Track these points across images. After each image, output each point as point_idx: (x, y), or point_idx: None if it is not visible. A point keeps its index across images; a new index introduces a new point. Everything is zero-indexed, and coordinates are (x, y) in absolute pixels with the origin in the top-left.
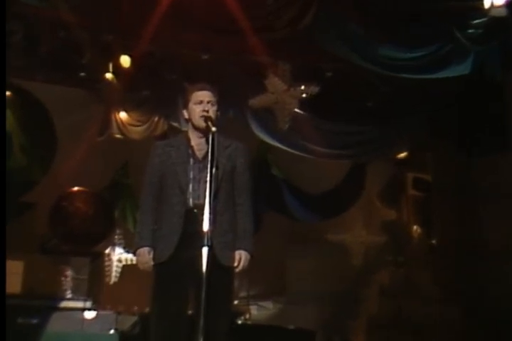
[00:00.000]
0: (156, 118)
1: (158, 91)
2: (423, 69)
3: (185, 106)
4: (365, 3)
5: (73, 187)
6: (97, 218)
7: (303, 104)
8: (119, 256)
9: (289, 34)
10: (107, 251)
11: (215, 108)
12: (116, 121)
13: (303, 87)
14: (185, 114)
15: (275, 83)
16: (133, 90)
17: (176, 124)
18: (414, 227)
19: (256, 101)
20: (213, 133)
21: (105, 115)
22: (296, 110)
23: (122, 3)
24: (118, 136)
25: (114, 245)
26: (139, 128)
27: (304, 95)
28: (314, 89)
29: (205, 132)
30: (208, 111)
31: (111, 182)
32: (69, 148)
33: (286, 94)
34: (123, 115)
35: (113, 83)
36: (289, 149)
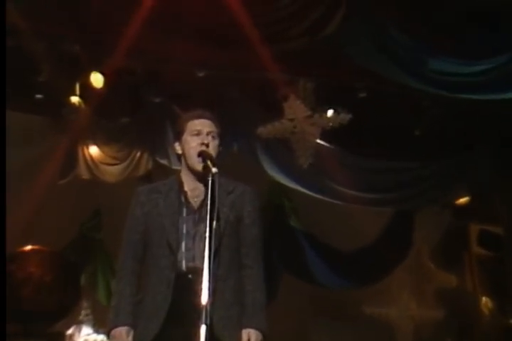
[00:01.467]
0: (138, 154)
1: (140, 118)
2: (488, 87)
3: (178, 138)
4: (411, 2)
5: (25, 245)
6: (56, 287)
7: (328, 133)
8: (85, 338)
9: (310, 44)
10: (70, 331)
11: (216, 142)
12: (84, 158)
13: (330, 114)
14: (178, 149)
15: (296, 107)
16: (107, 117)
17: (164, 162)
18: (483, 299)
19: (267, 130)
20: (214, 175)
21: (69, 150)
22: (320, 142)
23: (92, 3)
24: (86, 177)
25: (79, 323)
26: (114, 168)
27: (330, 124)
28: (345, 117)
29: (202, 173)
30: (207, 146)
31: (77, 237)
32: (21, 193)
33: (308, 121)
34: (94, 150)
35: (80, 108)
36: (311, 193)
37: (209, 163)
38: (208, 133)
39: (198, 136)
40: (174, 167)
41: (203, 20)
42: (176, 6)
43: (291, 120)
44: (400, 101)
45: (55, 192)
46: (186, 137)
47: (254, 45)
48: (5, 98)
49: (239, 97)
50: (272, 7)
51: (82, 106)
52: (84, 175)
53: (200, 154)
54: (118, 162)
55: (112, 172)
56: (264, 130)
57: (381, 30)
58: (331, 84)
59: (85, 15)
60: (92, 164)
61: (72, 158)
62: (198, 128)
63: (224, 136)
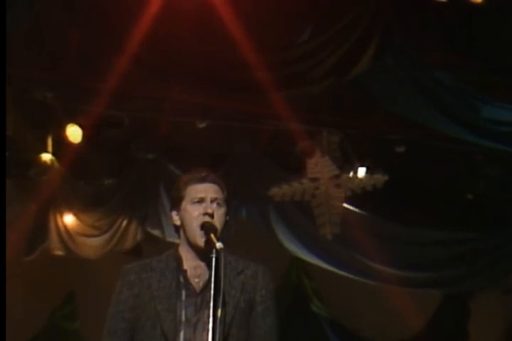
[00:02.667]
0: (125, 223)
1: (127, 179)
2: None
3: (175, 205)
4: (458, 38)
5: None
6: None
7: (358, 196)
8: None
9: (335, 88)
10: None
11: (222, 210)
12: (57, 228)
13: (361, 173)
14: (175, 219)
15: (322, 164)
16: (86, 179)
17: (156, 233)
18: None
19: (282, 191)
20: (219, 252)
21: (39, 219)
22: (347, 206)
23: (69, 39)
24: (59, 252)
25: None
26: (95, 240)
27: (362, 185)
28: (380, 178)
29: (205, 249)
30: (211, 216)
31: (47, 327)
32: None
33: (334, 182)
34: (69, 219)
35: (53, 168)
36: (336, 270)
37: (213, 237)
38: (212, 201)
39: (201, 204)
40: (169, 239)
41: (205, 60)
42: (170, 41)
43: (314, 180)
44: (446, 157)
45: (20, 271)
46: (186, 205)
47: (267, 89)
48: (5, 98)
49: (249, 152)
50: (287, 44)
51: (55, 165)
52: (57, 249)
53: (203, 226)
54: (99, 233)
55: (92, 246)
56: (279, 191)
57: (421, 70)
58: (361, 136)
59: (60, 54)
60: (66, 236)
61: (41, 228)
62: (201, 195)
63: (231, 200)
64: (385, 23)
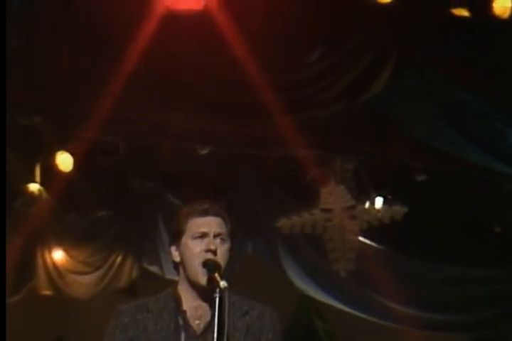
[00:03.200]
0: (119, 260)
1: (122, 211)
2: None
3: (175, 240)
4: (483, 56)
5: None
6: None
7: (375, 229)
8: None
9: (348, 111)
10: None
11: (226, 246)
12: (44, 265)
13: (379, 204)
14: (175, 255)
15: (337, 194)
16: (78, 210)
17: (154, 269)
18: None
19: (291, 223)
20: (223, 291)
21: (25, 255)
22: (363, 240)
23: (59, 58)
24: (47, 292)
25: None
26: (86, 278)
27: (379, 217)
28: (399, 210)
29: (208, 288)
30: (215, 253)
31: None
32: None
33: (348, 213)
34: (58, 255)
35: (41, 199)
36: (351, 310)
37: (217, 275)
38: (215, 236)
39: (203, 240)
40: (168, 276)
41: (207, 81)
42: (169, 62)
43: (326, 211)
44: (472, 186)
45: (6, 312)
46: (187, 240)
47: (274, 113)
48: (5, 99)
49: (254, 181)
50: (296, 64)
51: (44, 195)
52: (45, 288)
53: (206, 264)
54: (91, 270)
55: (83, 285)
56: (288, 222)
57: (443, 91)
58: (377, 163)
59: (50, 75)
60: (55, 274)
61: (28, 265)
62: (203, 229)
63: (236, 233)
64: (402, 40)
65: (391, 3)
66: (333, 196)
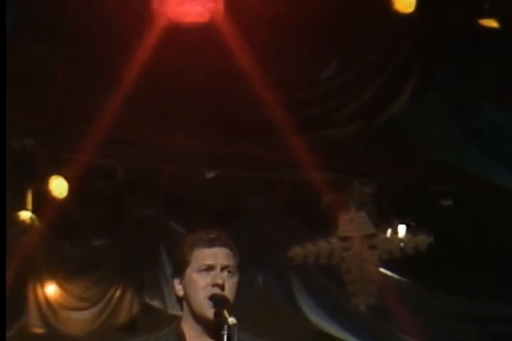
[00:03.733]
0: (118, 293)
1: (121, 240)
2: None
3: (178, 273)
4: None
5: None
6: None
7: (398, 260)
8: None
9: (366, 132)
10: None
11: (234, 279)
12: (36, 300)
13: (402, 233)
14: (178, 289)
15: (357, 221)
16: (73, 240)
17: (156, 304)
18: None
19: (305, 252)
20: (231, 328)
21: (15, 290)
22: (384, 271)
23: (53, 76)
24: (39, 330)
25: None
26: (82, 314)
27: (401, 247)
28: (424, 239)
29: (214, 324)
30: (222, 287)
31: None
32: None
33: (368, 242)
34: (51, 289)
35: (33, 227)
36: None
37: (225, 312)
38: (223, 269)
39: (209, 273)
40: (172, 312)
41: (212, 99)
42: (171, 78)
43: (344, 239)
44: (503, 212)
45: None
46: (191, 273)
47: (286, 133)
48: (5, 98)
49: (265, 207)
50: (309, 80)
51: (36, 224)
52: (36, 326)
53: (213, 298)
54: (87, 305)
55: (78, 321)
56: (302, 251)
57: (469, 109)
58: (399, 187)
59: (43, 94)
60: (47, 310)
61: (18, 300)
62: (210, 261)
63: (245, 265)
64: (425, 53)
65: (412, 13)
66: (352, 223)
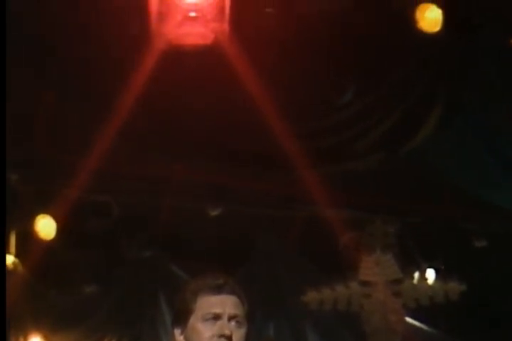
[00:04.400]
0: None
1: (116, 287)
2: None
3: (180, 321)
4: None
5: None
6: None
7: (424, 309)
8: None
9: (388, 164)
10: None
11: (243, 330)
12: None
13: (431, 279)
14: (179, 340)
15: (383, 264)
16: (60, 287)
17: None
18: None
19: (321, 297)
20: None
21: None
22: (410, 321)
23: (41, 104)
24: None
25: None
26: None
27: (429, 295)
28: (456, 288)
29: None
30: (230, 338)
31: None
32: None
33: (391, 289)
34: None
35: (17, 274)
36: None
37: None
38: (230, 318)
39: (215, 322)
40: None
41: (216, 128)
42: (171, 105)
43: (365, 284)
44: None
45: None
46: (195, 322)
47: (300, 165)
48: (5, 97)
49: (277, 248)
50: (324, 107)
51: (19, 269)
52: None
53: None
54: None
55: None
56: (318, 297)
57: (501, 138)
58: (426, 226)
59: (29, 124)
60: None
61: None
62: (216, 310)
63: (254, 313)
64: (453, 76)
65: (438, 32)
66: (375, 267)
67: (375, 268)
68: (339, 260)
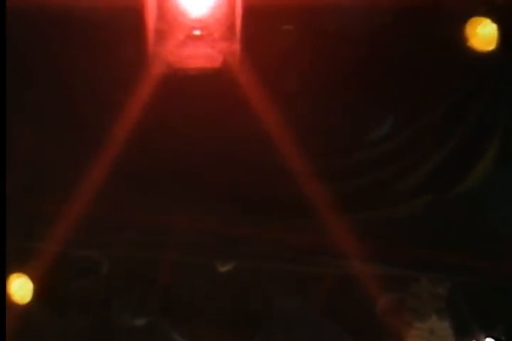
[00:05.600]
0: None
1: None
2: None
3: None
4: None
5: None
6: None
7: None
8: None
9: (434, 208)
10: None
11: None
12: None
13: None
14: None
15: (425, 332)
16: None
17: None
18: None
19: None
20: None
21: None
22: None
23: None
24: None
25: None
26: None
27: None
28: None
29: None
30: None
31: None
32: None
33: None
34: None
35: None
36: None
37: None
38: None
39: None
40: None
41: (227, 168)
42: (170, 138)
43: None
44: None
45: None
46: None
47: (326, 212)
48: (5, 97)
49: (298, 310)
50: (354, 141)
51: None
52: None
53: None
54: None
55: None
56: None
57: None
58: (483, 286)
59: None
60: None
61: None
62: None
63: None
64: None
65: (493, 51)
66: (423, 336)
67: (421, 338)
68: (374, 327)
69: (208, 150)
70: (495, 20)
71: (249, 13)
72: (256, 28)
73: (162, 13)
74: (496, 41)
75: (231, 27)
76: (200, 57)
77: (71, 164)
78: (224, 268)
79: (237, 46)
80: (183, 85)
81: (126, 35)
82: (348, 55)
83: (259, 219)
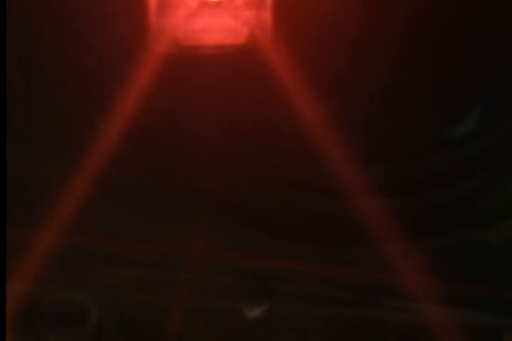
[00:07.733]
0: None
1: None
2: None
3: None
4: None
5: None
6: None
7: None
8: None
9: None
10: None
11: None
12: None
13: None
14: None
15: None
16: None
17: None
18: None
19: None
20: None
21: None
22: None
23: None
24: None
25: None
26: None
27: None
28: None
29: None
30: None
31: None
32: None
33: None
34: None
35: None
36: None
37: None
38: None
39: None
40: None
41: (254, 181)
42: (183, 139)
43: None
44: None
45: None
46: None
47: (388, 237)
48: (5, 99)
49: None
50: (428, 144)
51: None
52: None
53: None
54: None
55: None
56: None
57: None
58: None
59: None
60: None
61: None
62: None
63: None
64: None
65: None
66: None
67: None
68: None
69: (227, 155)
70: None
71: None
72: None
73: None
74: None
75: None
76: (218, 30)
77: (53, 174)
78: (253, 314)
79: (267, 16)
80: (195, 69)
81: (120, 3)
82: (423, 30)
83: (298, 248)
